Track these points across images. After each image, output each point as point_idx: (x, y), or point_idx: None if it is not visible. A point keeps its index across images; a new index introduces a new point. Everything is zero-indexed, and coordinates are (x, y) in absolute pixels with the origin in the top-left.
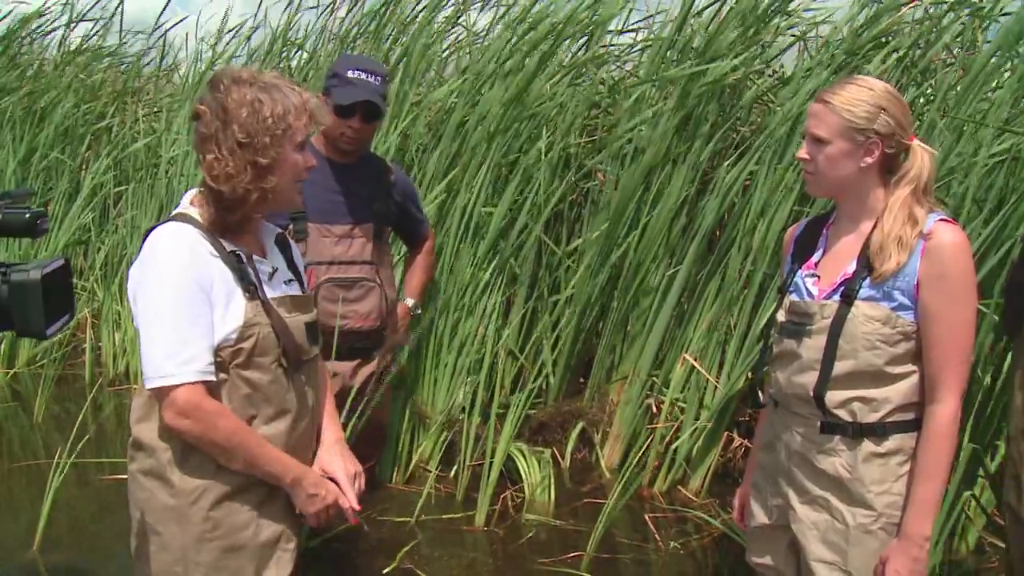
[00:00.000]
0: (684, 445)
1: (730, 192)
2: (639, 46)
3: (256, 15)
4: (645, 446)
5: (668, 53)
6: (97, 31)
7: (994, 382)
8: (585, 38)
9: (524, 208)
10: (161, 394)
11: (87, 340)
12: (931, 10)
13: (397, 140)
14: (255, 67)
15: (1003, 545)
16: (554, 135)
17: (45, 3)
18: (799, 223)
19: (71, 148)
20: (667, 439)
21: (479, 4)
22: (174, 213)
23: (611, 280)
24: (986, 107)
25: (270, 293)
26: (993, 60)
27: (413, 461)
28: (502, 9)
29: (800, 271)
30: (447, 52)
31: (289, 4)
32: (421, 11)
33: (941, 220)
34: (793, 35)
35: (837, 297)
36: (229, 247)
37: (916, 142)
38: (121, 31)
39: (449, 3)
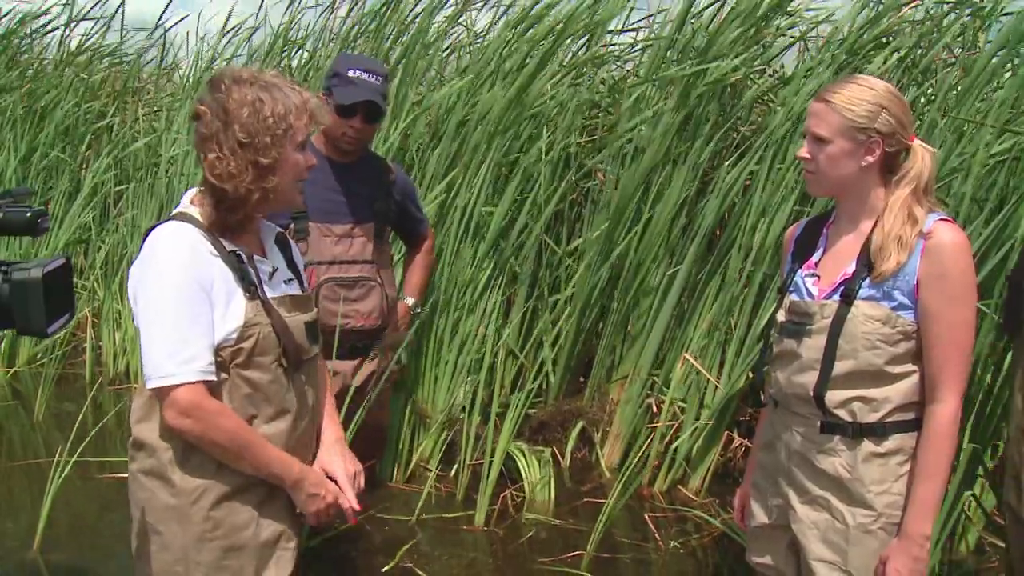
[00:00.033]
0: (684, 445)
1: (730, 192)
2: (639, 46)
3: (257, 15)
4: (645, 445)
5: (668, 53)
6: (98, 30)
7: (994, 382)
8: (585, 37)
9: (524, 208)
10: (162, 394)
11: (87, 339)
12: (932, 10)
13: (398, 140)
14: (256, 67)
15: (1003, 545)
16: (554, 134)
17: (45, 1)
18: (799, 223)
19: (71, 147)
20: (667, 438)
21: (479, 3)
22: (174, 212)
23: (611, 280)
24: (987, 107)
25: (270, 293)
26: (995, 60)
27: (413, 460)
28: (502, 9)
29: (800, 271)
30: (447, 52)
31: (292, 4)
32: (421, 11)
33: (941, 220)
34: (792, 36)
35: (837, 297)
36: (229, 246)
37: (917, 141)
38: (122, 29)
39: (448, 3)
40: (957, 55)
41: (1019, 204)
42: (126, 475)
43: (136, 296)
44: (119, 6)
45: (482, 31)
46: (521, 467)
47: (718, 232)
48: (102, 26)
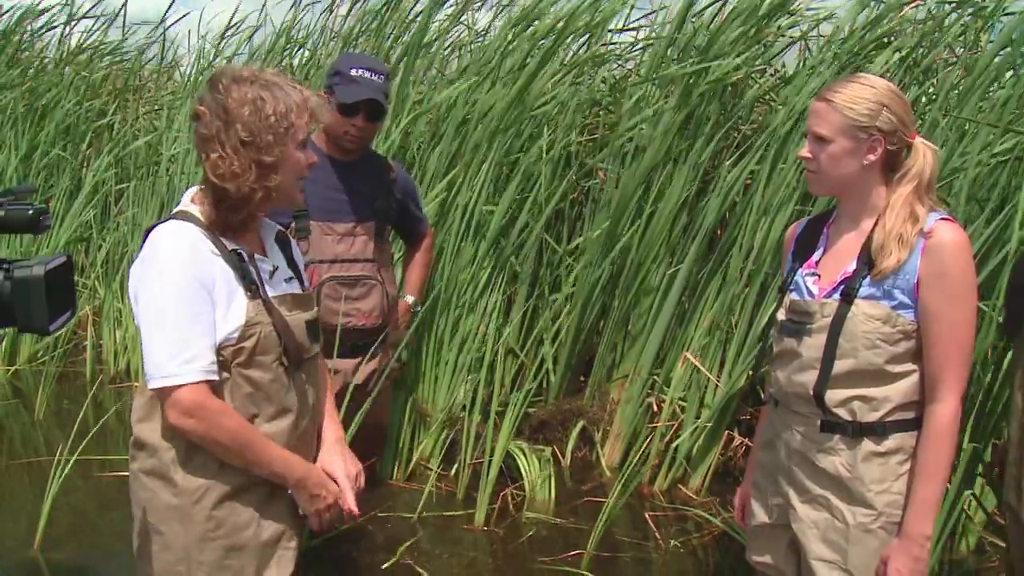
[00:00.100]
0: (685, 444)
1: (731, 191)
2: (640, 45)
3: (261, 13)
4: (646, 445)
5: (669, 52)
6: (98, 28)
7: (994, 381)
8: (586, 36)
9: (525, 207)
10: (164, 394)
11: (88, 337)
12: (934, 10)
13: (398, 139)
14: (256, 65)
15: (1003, 545)
16: (555, 133)
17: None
18: (800, 221)
19: (72, 145)
20: (667, 438)
21: (480, 3)
22: (175, 211)
23: (612, 278)
24: (989, 106)
25: (271, 292)
26: (997, 59)
27: (414, 459)
28: (503, 8)
29: (800, 270)
30: (448, 50)
31: (296, 3)
32: (422, 10)
33: (942, 219)
34: (791, 36)
35: (837, 296)
36: (230, 245)
37: (919, 139)
38: (124, 27)
39: (449, 3)
40: (959, 55)
41: (1019, 204)
42: (127, 474)
43: (137, 295)
44: (122, 5)
45: (483, 30)
46: (521, 466)
47: (719, 231)
48: (103, 24)
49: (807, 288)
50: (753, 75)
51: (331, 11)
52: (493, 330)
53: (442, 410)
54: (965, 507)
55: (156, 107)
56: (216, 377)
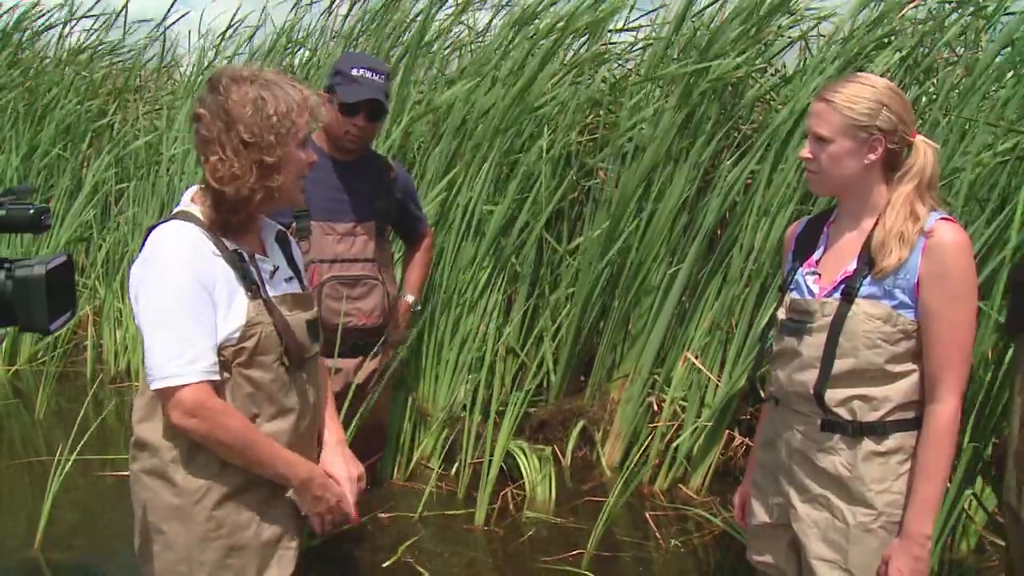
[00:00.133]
0: (685, 443)
1: (731, 191)
2: (640, 44)
3: (262, 13)
4: (646, 444)
5: (669, 51)
6: (99, 28)
7: (994, 381)
8: (586, 36)
9: (525, 206)
10: (167, 394)
11: (88, 337)
12: (934, 9)
13: (399, 138)
14: (256, 65)
15: (1004, 544)
16: (555, 133)
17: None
18: (800, 221)
19: (72, 145)
20: (668, 437)
21: (480, 3)
22: (175, 211)
23: (612, 278)
24: (989, 106)
25: (271, 291)
26: (999, 59)
27: (414, 459)
28: (503, 8)
29: (801, 269)
30: (448, 50)
31: (297, 3)
32: (421, 10)
33: (942, 219)
34: (791, 36)
35: (838, 295)
36: (231, 245)
37: (919, 137)
38: (125, 26)
39: (448, 3)
40: (959, 54)
41: (1018, 206)
42: (127, 473)
43: (138, 296)
44: (124, 4)
45: (483, 29)
46: (522, 466)
47: (719, 231)
48: (103, 23)
49: (807, 287)
50: (753, 74)
51: (330, 12)
52: (493, 330)
53: (442, 410)
54: (965, 507)
55: (156, 107)
56: (218, 377)
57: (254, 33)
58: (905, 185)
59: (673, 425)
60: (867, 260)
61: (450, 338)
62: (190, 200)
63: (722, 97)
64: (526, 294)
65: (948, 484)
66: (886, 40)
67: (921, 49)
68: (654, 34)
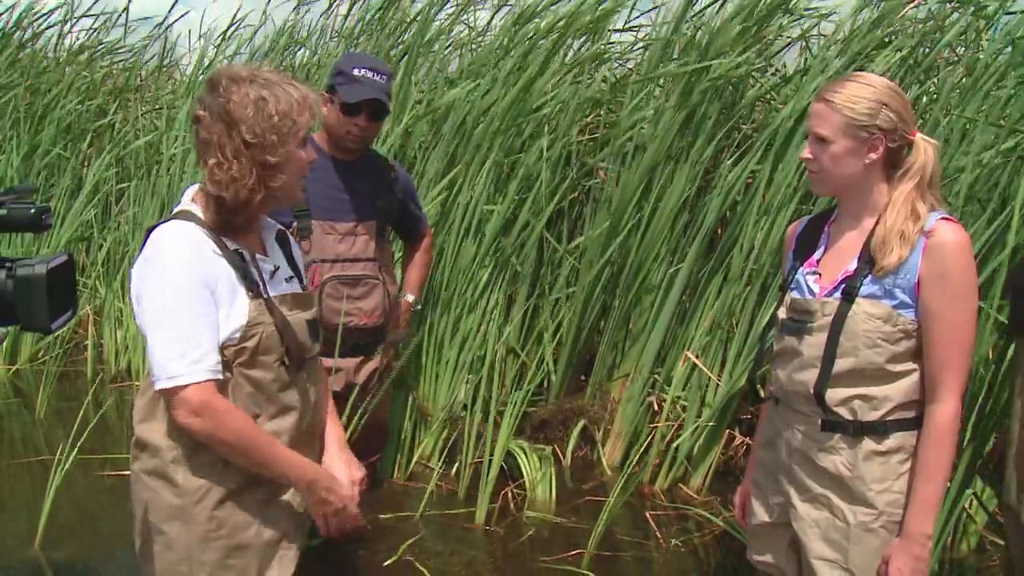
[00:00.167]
0: (685, 443)
1: (732, 190)
2: (640, 44)
3: (264, 13)
4: (646, 444)
5: (669, 51)
6: (100, 27)
7: (994, 380)
8: (586, 36)
9: (526, 206)
10: (171, 394)
11: (89, 337)
12: (935, 9)
13: (399, 138)
14: (255, 64)
15: (1004, 543)
16: (556, 132)
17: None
18: (800, 220)
19: (73, 145)
20: (668, 437)
21: (482, 3)
22: (176, 211)
23: (613, 278)
24: (990, 106)
25: (272, 291)
26: (1001, 59)
27: (415, 458)
28: (501, 5)
29: (801, 268)
30: (448, 50)
31: (299, 4)
32: (421, 9)
33: (943, 218)
34: (789, 35)
35: (838, 295)
36: (232, 245)
37: (919, 135)
38: (126, 25)
39: (449, 3)
40: (960, 54)
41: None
42: (127, 473)
43: (140, 296)
44: (126, 4)
45: (483, 28)
46: (522, 465)
47: (720, 231)
48: (103, 23)
49: (808, 287)
50: (753, 74)
51: (329, 10)
52: (494, 329)
53: (443, 409)
54: (966, 506)
55: (157, 107)
56: (222, 376)
57: (255, 33)
58: (906, 184)
59: (673, 425)
60: (868, 259)
61: (450, 338)
62: (190, 200)
63: (723, 97)
64: (526, 294)
65: (948, 484)
66: (887, 40)
67: (922, 49)
68: (655, 34)
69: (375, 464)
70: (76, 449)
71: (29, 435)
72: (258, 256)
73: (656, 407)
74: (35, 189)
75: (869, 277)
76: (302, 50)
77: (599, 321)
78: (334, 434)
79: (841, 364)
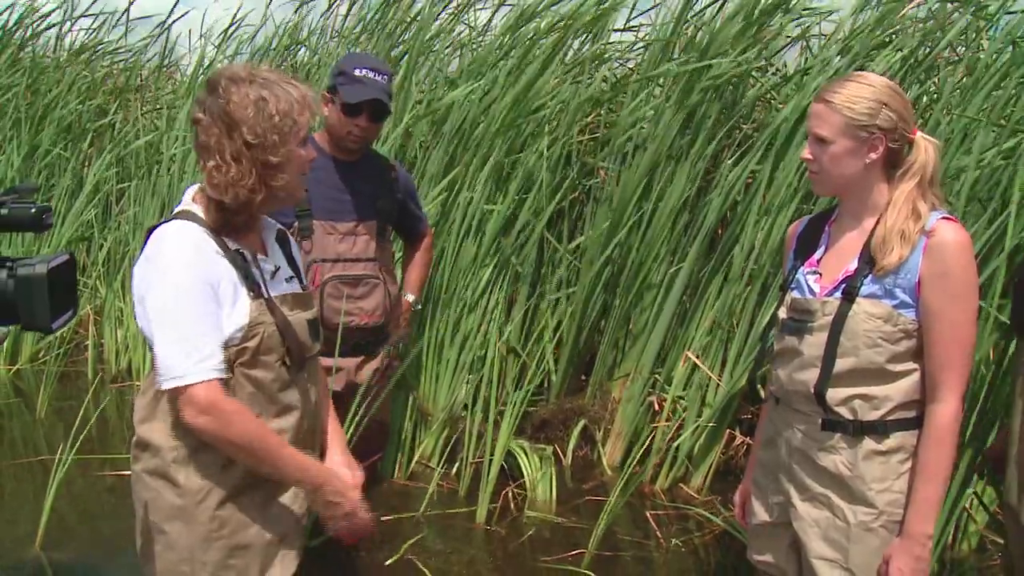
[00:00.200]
0: (686, 443)
1: (732, 190)
2: (641, 44)
3: (265, 13)
4: (647, 444)
5: (669, 50)
6: (101, 27)
7: (995, 380)
8: (586, 35)
9: (526, 205)
10: (178, 394)
11: (89, 336)
12: (935, 9)
13: (400, 138)
14: (254, 63)
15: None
16: (556, 132)
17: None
18: (801, 220)
19: (73, 145)
20: (669, 437)
21: (483, 3)
22: (177, 211)
23: (613, 277)
24: (991, 106)
25: (272, 291)
26: (1004, 58)
27: (415, 458)
28: (501, 4)
29: (802, 268)
30: (448, 49)
31: (301, 4)
32: (420, 8)
33: (943, 218)
34: (789, 35)
35: (839, 294)
36: (233, 246)
37: (920, 134)
38: (127, 24)
39: (452, 2)
40: (960, 53)
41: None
42: (128, 472)
43: (144, 297)
44: (128, 5)
45: (483, 28)
46: (523, 465)
47: (720, 230)
48: (104, 23)
49: (808, 286)
50: (754, 73)
51: (329, 9)
52: (494, 329)
53: (443, 409)
54: (967, 506)
55: (157, 106)
56: (227, 375)
57: (256, 32)
58: (906, 183)
59: (674, 424)
60: (868, 259)
61: (451, 338)
62: (191, 199)
63: (723, 96)
64: (527, 293)
65: (949, 483)
66: (887, 39)
67: (923, 49)
68: (655, 33)
69: (376, 464)
70: (76, 449)
71: (30, 435)
72: (259, 256)
73: (657, 407)
74: (37, 188)
75: (870, 277)
76: (303, 50)
77: (599, 321)
78: (335, 436)
79: (841, 364)
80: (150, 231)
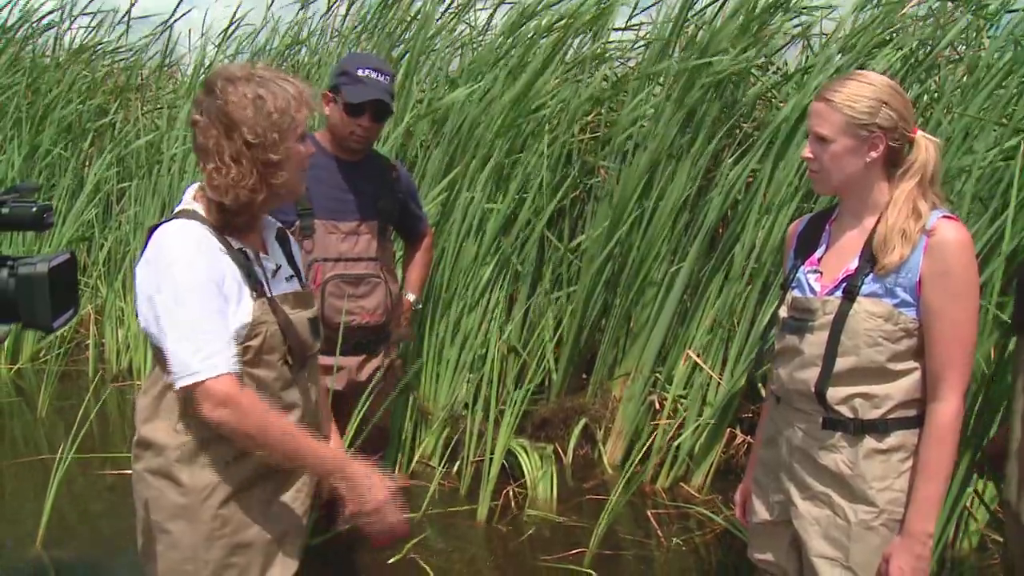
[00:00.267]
0: (687, 441)
1: (733, 189)
2: (641, 42)
3: (266, 13)
4: (648, 443)
5: (669, 49)
6: (103, 26)
7: (996, 379)
8: (584, 35)
9: (526, 204)
10: (193, 390)
11: (90, 336)
12: (935, 8)
13: (400, 138)
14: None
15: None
16: (557, 130)
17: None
18: (802, 219)
19: (74, 144)
20: (670, 435)
21: (483, 3)
22: (178, 210)
23: (614, 276)
24: (992, 105)
25: (274, 290)
26: (1007, 57)
27: (416, 457)
28: (504, 4)
29: (802, 267)
30: (449, 49)
31: (303, 7)
32: (419, 7)
33: (944, 217)
34: (788, 33)
35: (839, 293)
36: (236, 244)
37: (920, 133)
38: (128, 24)
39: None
40: (961, 53)
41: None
42: (129, 471)
43: (151, 297)
44: (130, 5)
45: (483, 27)
46: (523, 464)
47: (720, 229)
48: (102, 21)
49: (809, 285)
50: (754, 72)
51: (328, 9)
52: (495, 328)
53: (444, 408)
54: (967, 504)
55: (158, 106)
56: (239, 369)
57: (257, 32)
58: (907, 182)
59: (675, 423)
60: (869, 258)
61: (451, 337)
62: (192, 198)
63: (723, 95)
64: (527, 292)
65: (950, 482)
66: (888, 38)
67: (924, 48)
68: (655, 32)
69: (376, 463)
70: (77, 448)
71: (30, 434)
72: (260, 255)
73: (657, 406)
74: (38, 187)
75: (870, 276)
76: (304, 50)
77: (600, 320)
78: (334, 440)
79: (842, 363)
80: (151, 230)
